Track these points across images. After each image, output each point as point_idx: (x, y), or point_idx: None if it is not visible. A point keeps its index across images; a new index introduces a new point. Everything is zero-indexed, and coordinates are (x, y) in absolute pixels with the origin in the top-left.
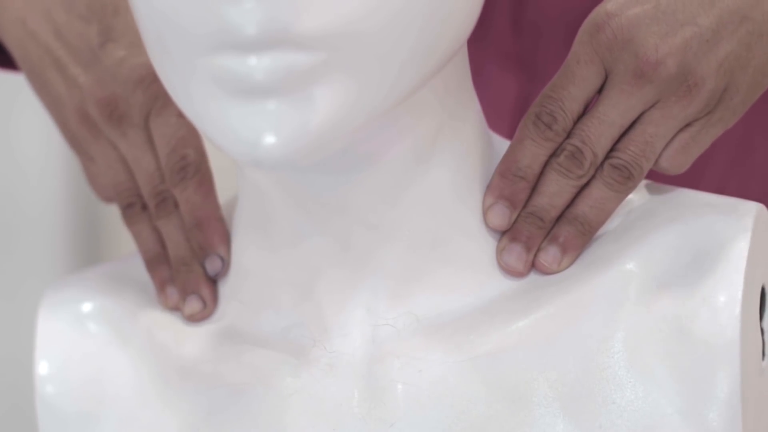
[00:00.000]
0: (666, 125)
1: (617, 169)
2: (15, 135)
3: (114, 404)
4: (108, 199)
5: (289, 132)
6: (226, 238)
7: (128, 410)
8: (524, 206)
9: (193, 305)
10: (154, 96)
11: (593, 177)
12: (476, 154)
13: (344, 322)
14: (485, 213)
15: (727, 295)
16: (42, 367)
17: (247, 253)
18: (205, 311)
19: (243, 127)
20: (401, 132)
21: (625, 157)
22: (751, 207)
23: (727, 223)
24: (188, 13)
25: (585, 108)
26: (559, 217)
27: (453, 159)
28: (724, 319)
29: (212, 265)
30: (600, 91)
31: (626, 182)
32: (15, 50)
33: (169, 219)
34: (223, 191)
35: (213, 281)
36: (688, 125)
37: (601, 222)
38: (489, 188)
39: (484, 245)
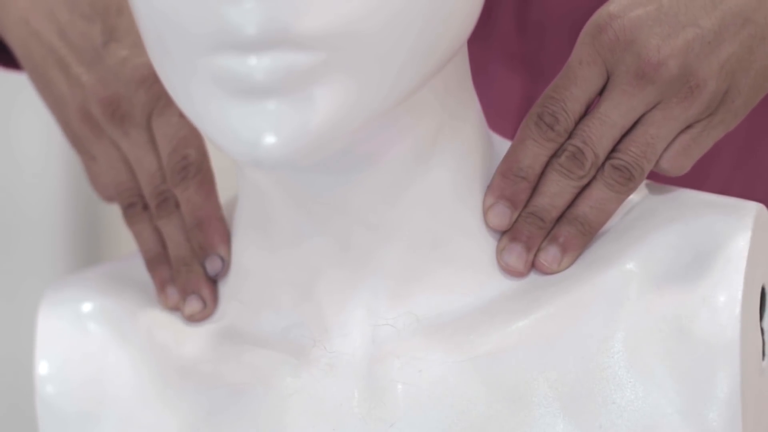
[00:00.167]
0: (667, 126)
1: (618, 170)
2: (15, 135)
3: (114, 404)
4: (109, 198)
5: (289, 132)
6: (227, 239)
7: (128, 410)
8: (525, 206)
9: (193, 305)
10: (157, 96)
11: (594, 178)
12: (477, 153)
13: (344, 322)
14: (486, 213)
15: (727, 295)
16: (42, 367)
17: (247, 253)
18: (206, 311)
19: (243, 127)
20: (401, 132)
21: (626, 158)
22: (751, 207)
23: (727, 223)
24: (188, 13)
25: (587, 109)
26: (560, 218)
27: (453, 159)
28: (724, 319)
29: (212, 265)
30: (602, 92)
31: (627, 183)
32: (18, 49)
33: (169, 219)
34: (223, 191)
35: (213, 281)
36: (689, 127)
37: (602, 222)
38: (490, 188)
39: (484, 245)
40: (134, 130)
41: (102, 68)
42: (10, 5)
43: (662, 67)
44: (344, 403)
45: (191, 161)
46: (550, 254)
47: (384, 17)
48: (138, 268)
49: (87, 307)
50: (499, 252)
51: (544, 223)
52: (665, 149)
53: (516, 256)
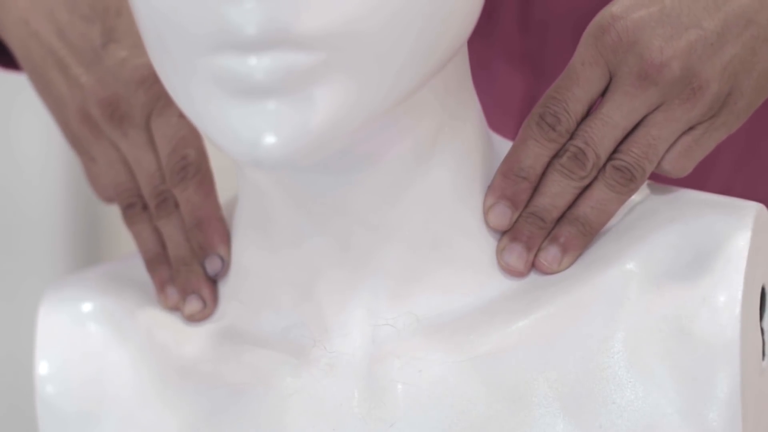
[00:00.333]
0: (669, 128)
1: (619, 171)
2: (15, 135)
3: (114, 404)
4: (109, 199)
5: (289, 132)
6: (227, 238)
7: (128, 410)
8: (525, 206)
9: (193, 305)
10: (156, 96)
11: (595, 178)
12: (477, 153)
13: (344, 322)
14: (486, 213)
15: (727, 295)
16: (42, 367)
17: (247, 253)
18: (205, 311)
19: (243, 127)
20: (401, 132)
21: (627, 158)
22: (752, 207)
23: (728, 222)
24: (188, 13)
25: (589, 110)
26: (561, 218)
27: (453, 159)
28: (724, 319)
29: (212, 265)
30: (604, 93)
31: (628, 184)
32: (17, 50)
33: (169, 219)
34: (223, 191)
35: (213, 281)
36: (691, 128)
37: (603, 223)
38: (490, 188)
39: (485, 245)
40: (133, 130)
41: (101, 69)
42: (9, 6)
43: (665, 68)
44: (344, 403)
45: (190, 161)
46: (550, 254)
47: (384, 17)
48: (138, 268)
49: (87, 307)
50: (500, 252)
51: (544, 223)
52: (667, 151)
53: (516, 255)
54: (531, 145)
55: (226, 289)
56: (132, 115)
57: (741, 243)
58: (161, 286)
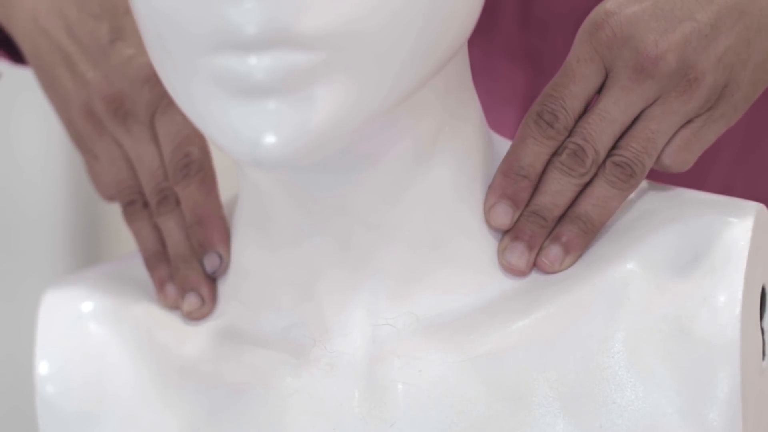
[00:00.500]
0: (667, 121)
1: (619, 167)
2: (15, 135)
3: (114, 404)
4: (110, 197)
5: (290, 132)
6: (227, 237)
7: (129, 410)
8: (526, 205)
9: (191, 302)
10: (161, 94)
11: (596, 175)
12: (477, 153)
13: (344, 322)
14: (487, 212)
15: (727, 294)
16: (42, 367)
17: (247, 252)
18: (204, 309)
19: (243, 127)
20: (401, 131)
21: (627, 154)
22: (752, 207)
23: (728, 222)
24: (188, 13)
25: (586, 107)
26: (562, 217)
27: (454, 158)
28: (724, 319)
29: (210, 263)
30: (600, 90)
31: (629, 180)
32: (25, 45)
33: (170, 216)
34: (224, 191)
35: (212, 280)
36: (689, 122)
37: (604, 220)
38: (491, 188)
39: (485, 245)
40: (137, 127)
41: (107, 66)
42: (18, 2)
43: (661, 61)
44: (344, 403)
45: (193, 159)
46: (552, 253)
47: (384, 17)
48: (138, 267)
49: (87, 306)
50: (501, 251)
51: (546, 221)
52: (666, 144)
53: (518, 255)
54: (530, 143)
55: (226, 288)
56: (136, 113)
57: (741, 243)
58: (160, 284)
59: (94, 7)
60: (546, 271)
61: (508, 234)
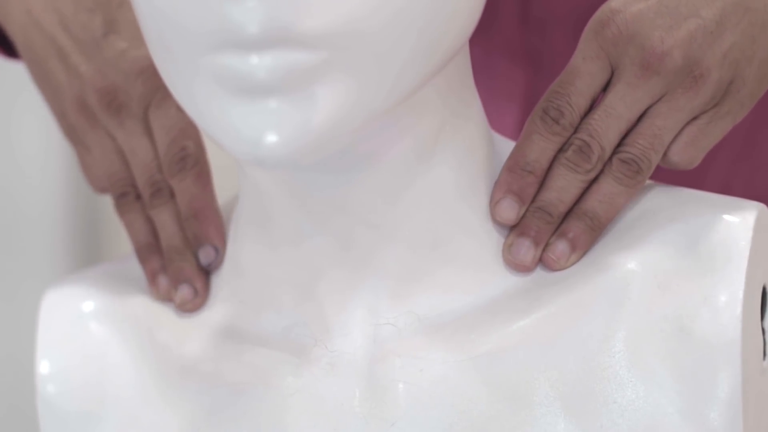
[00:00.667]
0: (673, 118)
1: (626, 163)
2: (15, 135)
3: (115, 404)
4: (102, 189)
5: (291, 131)
6: (222, 231)
7: (129, 410)
8: (532, 201)
9: (184, 293)
10: (155, 88)
11: (602, 172)
12: (478, 151)
13: (345, 321)
14: (493, 207)
15: (728, 294)
16: (43, 367)
17: (248, 252)
18: (197, 300)
19: (245, 126)
20: (403, 131)
21: (633, 150)
22: (753, 206)
23: (729, 222)
24: (190, 12)
25: (592, 104)
26: (568, 213)
27: (455, 157)
28: (725, 318)
29: (206, 255)
30: (606, 88)
31: (635, 176)
32: (18, 39)
33: (163, 209)
34: (223, 191)
35: (206, 273)
36: (695, 118)
37: (611, 217)
38: (497, 184)
39: (487, 243)
40: (130, 120)
41: (101, 59)
42: None
43: (666, 57)
44: (345, 403)
45: (189, 152)
46: (558, 249)
47: (385, 16)
48: (138, 267)
49: (88, 306)
50: (507, 247)
51: (552, 217)
52: (673, 141)
53: (524, 250)
54: (536, 139)
55: (226, 288)
56: (129, 106)
57: (742, 243)
58: (152, 276)
59: (87, 1)
60: (552, 268)
61: (514, 230)
